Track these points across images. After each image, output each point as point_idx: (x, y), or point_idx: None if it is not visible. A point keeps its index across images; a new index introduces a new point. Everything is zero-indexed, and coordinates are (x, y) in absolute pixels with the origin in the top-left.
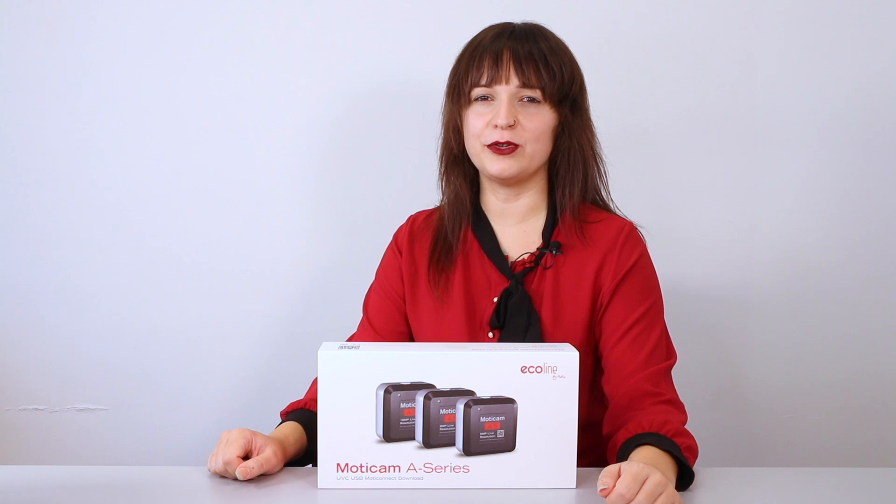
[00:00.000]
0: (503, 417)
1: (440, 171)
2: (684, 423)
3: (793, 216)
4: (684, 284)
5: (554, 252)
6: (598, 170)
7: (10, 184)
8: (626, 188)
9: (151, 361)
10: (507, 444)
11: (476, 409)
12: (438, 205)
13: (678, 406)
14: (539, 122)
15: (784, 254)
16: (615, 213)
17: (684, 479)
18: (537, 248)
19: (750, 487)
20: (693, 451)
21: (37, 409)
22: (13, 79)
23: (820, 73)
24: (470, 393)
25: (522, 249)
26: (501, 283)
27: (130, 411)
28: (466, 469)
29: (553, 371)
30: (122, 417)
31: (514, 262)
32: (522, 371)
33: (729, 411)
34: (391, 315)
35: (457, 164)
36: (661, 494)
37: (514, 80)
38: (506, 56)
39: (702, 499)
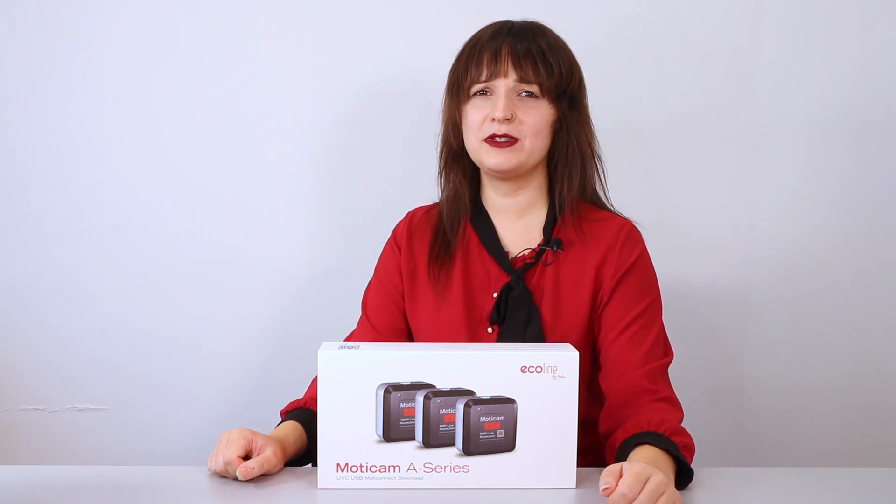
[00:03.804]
0: (503, 417)
1: (440, 167)
2: (681, 420)
3: (792, 215)
4: (684, 283)
5: (555, 248)
6: (597, 167)
7: (10, 184)
8: (625, 187)
9: (151, 361)
10: (507, 444)
11: (476, 409)
12: (437, 201)
13: (675, 404)
14: (537, 117)
15: (783, 253)
16: (614, 212)
17: (682, 477)
18: (538, 245)
19: (750, 487)
20: (690, 449)
21: (37, 409)
22: (12, 78)
23: (819, 72)
24: (470, 393)
25: (523, 245)
26: (501, 279)
27: (130, 411)
28: (466, 469)
29: (553, 371)
30: (122, 417)
31: (515, 258)
32: (522, 371)
33: (729, 411)
34: (390, 312)
35: (456, 160)
36: (662, 494)
37: (513, 75)
38: (504, 52)
39: (702, 499)
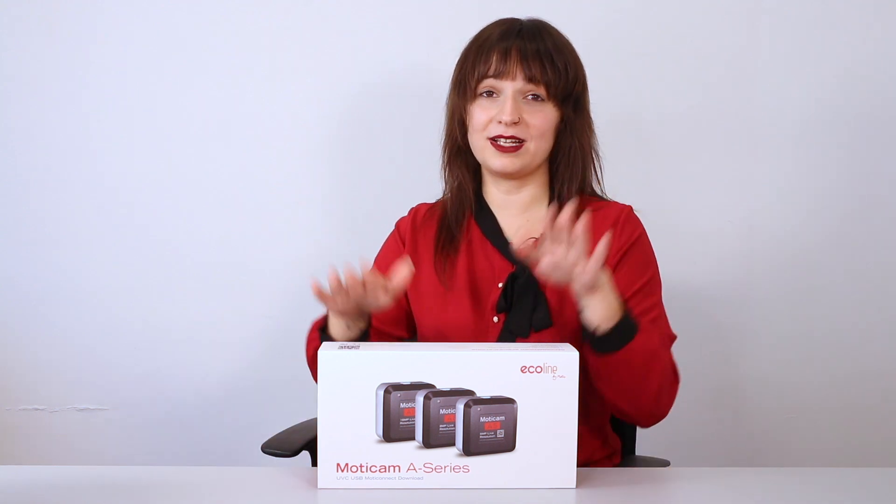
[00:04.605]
0: (503, 417)
1: (443, 161)
2: (673, 381)
3: (792, 214)
4: (684, 282)
5: None
6: (595, 167)
7: (11, 183)
8: (625, 186)
9: (151, 361)
10: (507, 444)
11: (476, 409)
12: (440, 198)
13: (676, 373)
14: (542, 120)
15: (783, 252)
16: (611, 201)
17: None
18: (542, 234)
19: (750, 487)
20: (651, 336)
21: (37, 409)
22: (15, 78)
23: (819, 72)
24: (470, 393)
25: (526, 237)
26: (506, 269)
27: (130, 411)
28: (466, 469)
29: (553, 371)
30: (122, 417)
31: (519, 249)
32: (522, 371)
33: (729, 410)
34: None
35: (460, 155)
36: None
37: (520, 76)
38: (514, 53)
39: (702, 499)
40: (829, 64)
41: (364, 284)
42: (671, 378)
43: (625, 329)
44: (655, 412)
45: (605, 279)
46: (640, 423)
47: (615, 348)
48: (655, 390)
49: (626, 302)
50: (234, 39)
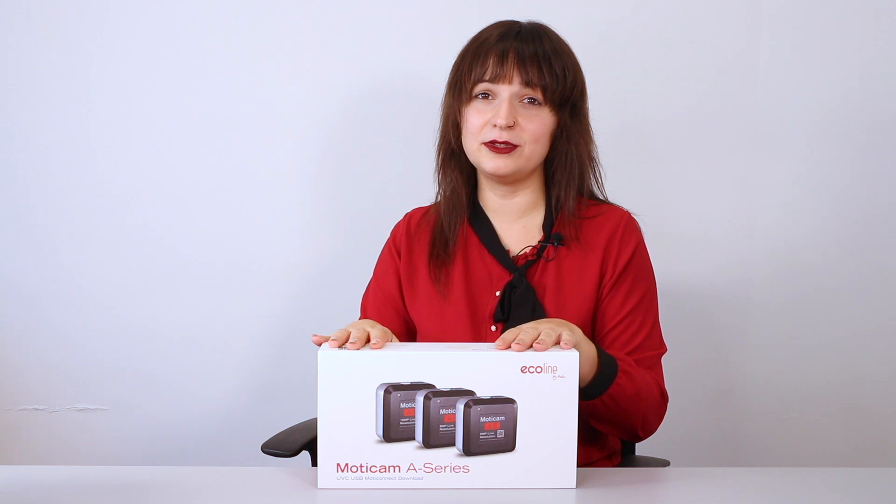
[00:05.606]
0: (503, 417)
1: (437, 164)
2: (659, 404)
3: (791, 215)
4: (683, 284)
5: (556, 244)
6: (594, 172)
7: (12, 183)
8: (624, 187)
9: (151, 361)
10: (507, 444)
11: (476, 409)
12: (435, 201)
13: (664, 394)
14: (538, 124)
15: (783, 253)
16: (610, 203)
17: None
18: (539, 242)
19: (750, 487)
20: (630, 376)
21: (37, 409)
22: (16, 78)
23: (818, 71)
24: (470, 393)
25: (522, 244)
26: (503, 277)
27: (130, 411)
28: (466, 469)
29: (553, 371)
30: (122, 417)
31: (517, 256)
32: (522, 371)
33: (728, 411)
34: (388, 315)
35: (453, 158)
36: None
37: (517, 79)
38: (511, 55)
39: (702, 499)
40: (830, 66)
41: (368, 339)
42: (657, 402)
43: (602, 379)
44: (642, 434)
45: (578, 336)
46: (630, 441)
47: (593, 396)
48: (640, 420)
49: (614, 328)
50: (232, 41)
